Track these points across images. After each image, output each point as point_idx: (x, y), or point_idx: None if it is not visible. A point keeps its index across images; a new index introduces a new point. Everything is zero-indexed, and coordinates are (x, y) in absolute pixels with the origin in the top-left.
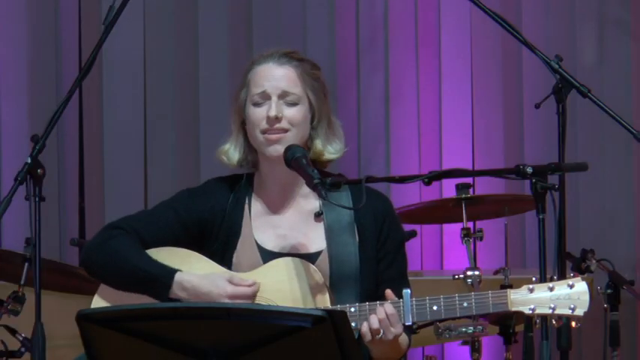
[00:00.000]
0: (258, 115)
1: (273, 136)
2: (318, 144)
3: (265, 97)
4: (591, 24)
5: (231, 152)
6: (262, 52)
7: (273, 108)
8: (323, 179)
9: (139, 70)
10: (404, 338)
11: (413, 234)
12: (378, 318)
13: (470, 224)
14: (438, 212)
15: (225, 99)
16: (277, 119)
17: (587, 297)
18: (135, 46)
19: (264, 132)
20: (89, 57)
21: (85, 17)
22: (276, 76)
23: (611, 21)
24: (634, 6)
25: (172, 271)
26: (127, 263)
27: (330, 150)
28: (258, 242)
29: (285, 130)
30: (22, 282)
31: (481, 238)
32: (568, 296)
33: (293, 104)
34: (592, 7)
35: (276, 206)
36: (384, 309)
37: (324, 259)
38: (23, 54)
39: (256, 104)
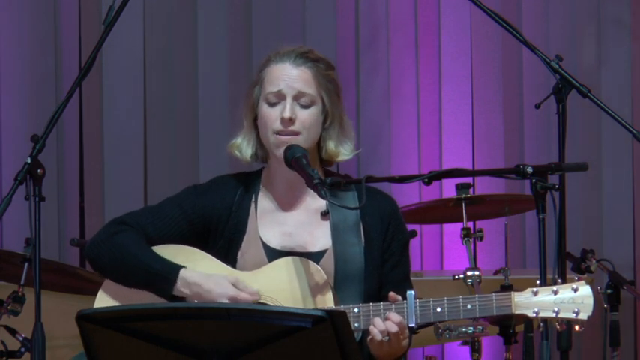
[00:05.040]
0: (272, 115)
1: (284, 138)
2: (331, 145)
3: (280, 96)
4: (591, 24)
5: (244, 147)
6: (279, 49)
7: (287, 109)
8: (323, 179)
9: (139, 70)
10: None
11: (413, 234)
12: (390, 331)
13: (470, 224)
14: (438, 212)
15: (225, 99)
16: (291, 121)
17: (591, 301)
18: (135, 46)
19: (276, 133)
20: (89, 57)
21: (85, 17)
22: (291, 76)
23: (611, 21)
24: (634, 6)
25: (177, 267)
26: (131, 258)
27: (344, 152)
28: (264, 240)
29: (297, 134)
30: (22, 282)
31: (481, 238)
32: (572, 300)
33: (307, 106)
34: (592, 7)
35: (283, 204)
36: (398, 324)
37: (329, 258)
38: (23, 54)
39: (270, 104)
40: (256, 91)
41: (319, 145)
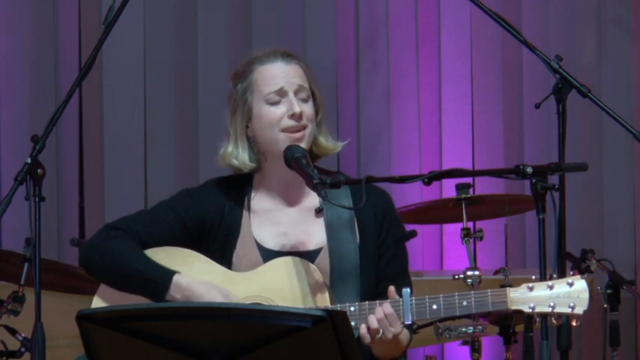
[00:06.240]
0: (277, 113)
1: (297, 135)
2: (323, 140)
3: (282, 94)
4: (591, 24)
5: (241, 154)
6: (258, 53)
7: (295, 104)
8: (323, 179)
9: (139, 70)
10: (405, 335)
11: (413, 234)
12: (377, 318)
13: (470, 224)
14: (438, 212)
15: (225, 99)
16: (301, 115)
17: (586, 295)
18: (135, 46)
19: (285, 130)
20: (89, 57)
21: (85, 17)
22: (289, 73)
23: (611, 21)
24: (634, 6)
25: (171, 273)
26: (125, 264)
27: (337, 144)
28: (258, 241)
29: (305, 127)
30: (22, 282)
31: (481, 238)
32: (567, 294)
33: (306, 100)
34: (592, 7)
35: (277, 204)
36: (382, 309)
37: (324, 256)
38: (23, 54)
39: (272, 103)
40: (249, 97)
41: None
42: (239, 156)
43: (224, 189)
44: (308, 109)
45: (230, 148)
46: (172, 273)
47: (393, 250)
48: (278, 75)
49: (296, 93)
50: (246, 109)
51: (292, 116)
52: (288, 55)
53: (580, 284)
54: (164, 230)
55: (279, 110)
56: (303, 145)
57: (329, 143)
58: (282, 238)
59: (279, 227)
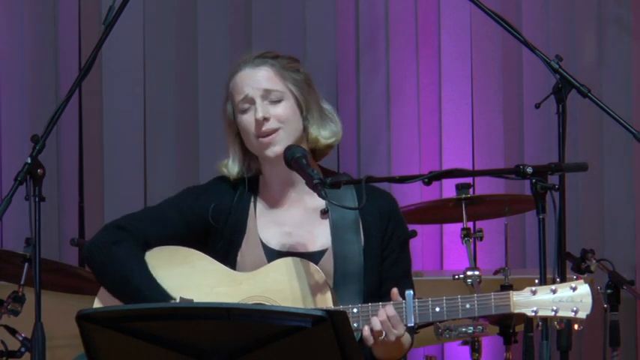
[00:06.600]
0: (249, 121)
1: (266, 139)
2: (313, 132)
3: (249, 101)
4: (591, 24)
5: (231, 165)
6: (237, 60)
7: (258, 110)
8: (323, 179)
9: (139, 70)
10: (406, 337)
11: (413, 234)
12: (380, 320)
13: (470, 224)
14: (438, 212)
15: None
16: (266, 120)
17: (589, 299)
18: (135, 46)
19: (257, 136)
20: (89, 57)
21: (85, 17)
22: (254, 79)
23: (611, 21)
24: (634, 6)
25: (164, 299)
26: (123, 276)
27: (325, 135)
28: (263, 241)
29: (276, 130)
30: (22, 282)
31: (481, 238)
32: (570, 299)
33: (278, 101)
34: (592, 7)
35: (281, 205)
36: (385, 311)
37: (328, 257)
38: (23, 54)
39: (243, 111)
40: (229, 108)
41: (304, 137)
42: (229, 167)
43: (230, 188)
44: (279, 110)
45: (225, 160)
46: (166, 299)
47: (397, 254)
48: (243, 83)
49: (264, 97)
50: (228, 119)
51: (256, 123)
52: (258, 58)
53: (583, 289)
54: (168, 228)
55: (250, 118)
56: (277, 147)
57: (325, 133)
58: (286, 238)
59: (284, 227)
